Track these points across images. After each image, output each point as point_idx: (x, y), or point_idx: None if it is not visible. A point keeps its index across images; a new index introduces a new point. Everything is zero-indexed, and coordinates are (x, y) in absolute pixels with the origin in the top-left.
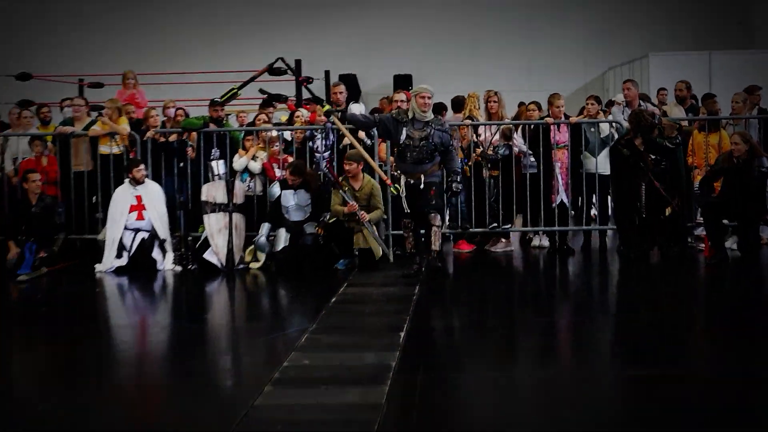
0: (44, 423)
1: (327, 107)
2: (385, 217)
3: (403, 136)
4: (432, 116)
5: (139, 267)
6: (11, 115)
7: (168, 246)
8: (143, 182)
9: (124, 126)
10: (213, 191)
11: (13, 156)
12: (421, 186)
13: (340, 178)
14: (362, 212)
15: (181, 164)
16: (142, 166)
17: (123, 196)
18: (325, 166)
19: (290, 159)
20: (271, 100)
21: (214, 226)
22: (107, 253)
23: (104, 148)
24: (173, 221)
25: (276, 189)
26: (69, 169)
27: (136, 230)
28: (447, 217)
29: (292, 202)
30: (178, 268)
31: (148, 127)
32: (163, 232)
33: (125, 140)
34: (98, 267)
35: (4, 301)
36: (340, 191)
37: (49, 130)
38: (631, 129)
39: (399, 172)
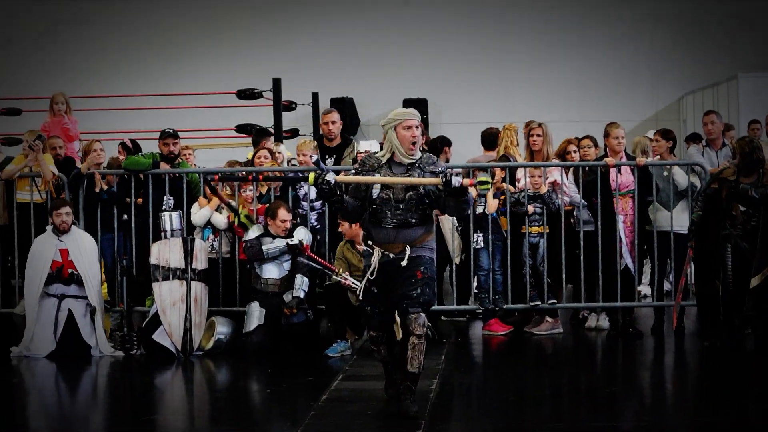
0: None
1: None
2: None
3: (377, 189)
4: (419, 155)
5: (67, 350)
6: None
7: (99, 318)
8: (68, 231)
9: (49, 166)
10: (166, 252)
11: None
12: (403, 263)
13: (338, 257)
14: None
15: (124, 216)
16: (64, 209)
17: (44, 247)
18: (306, 257)
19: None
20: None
21: (167, 297)
22: (27, 331)
23: (23, 195)
24: (113, 291)
25: (255, 230)
26: None
27: (61, 297)
28: (474, 288)
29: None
30: (119, 353)
31: (81, 174)
32: (96, 297)
33: (49, 184)
34: (15, 350)
35: None
36: (339, 279)
37: None
38: (739, 161)
39: (371, 243)
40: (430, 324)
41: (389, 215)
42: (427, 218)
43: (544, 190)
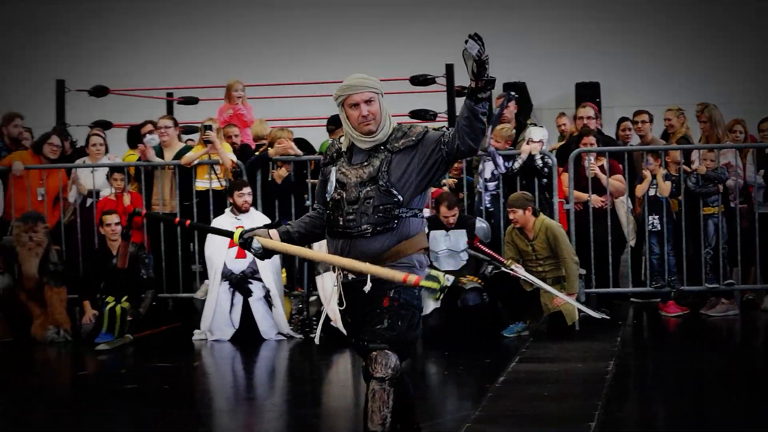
0: None
1: (240, 230)
2: (583, 271)
3: (331, 186)
4: (387, 133)
5: (246, 333)
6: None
7: (278, 301)
8: (247, 211)
9: (229, 154)
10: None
11: (85, 192)
12: (366, 288)
13: (506, 240)
14: (556, 298)
15: (307, 203)
16: (246, 189)
17: (222, 226)
18: (474, 243)
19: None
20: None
21: (329, 288)
22: (206, 313)
23: (202, 183)
24: (291, 276)
25: None
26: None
27: (239, 279)
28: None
29: (444, 246)
30: (299, 337)
31: (267, 157)
32: (272, 278)
33: (228, 172)
34: (197, 333)
35: (79, 376)
36: (508, 271)
37: (131, 159)
38: None
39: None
40: (604, 309)
41: (341, 221)
42: (397, 221)
43: (703, 170)
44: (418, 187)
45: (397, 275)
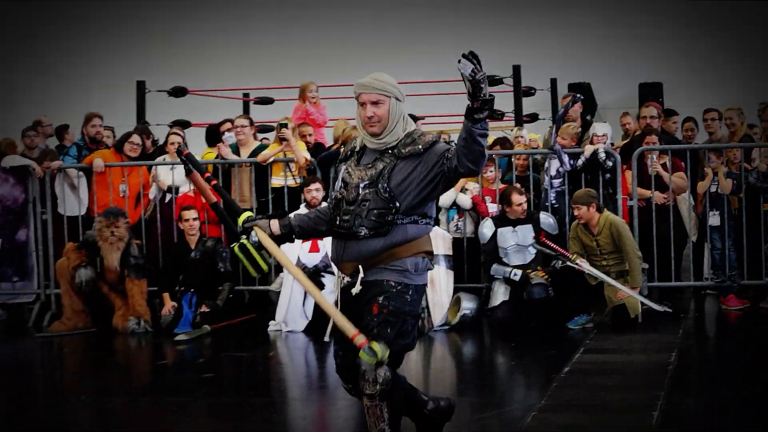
0: None
1: (247, 215)
2: (645, 266)
3: (338, 183)
4: (398, 136)
5: (319, 324)
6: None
7: None
8: (318, 205)
9: (303, 152)
10: None
11: (164, 189)
12: (354, 290)
13: (572, 236)
14: (620, 291)
15: None
16: (314, 185)
17: None
18: (541, 241)
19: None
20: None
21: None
22: (281, 305)
23: (277, 180)
24: None
25: (488, 229)
26: None
27: (312, 272)
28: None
29: (512, 242)
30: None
31: (337, 153)
32: None
33: (303, 169)
34: (272, 325)
35: (159, 366)
36: (573, 265)
37: (209, 157)
38: None
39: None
40: (666, 302)
41: (337, 220)
42: (391, 229)
43: (763, 168)
44: (417, 197)
45: (349, 330)
